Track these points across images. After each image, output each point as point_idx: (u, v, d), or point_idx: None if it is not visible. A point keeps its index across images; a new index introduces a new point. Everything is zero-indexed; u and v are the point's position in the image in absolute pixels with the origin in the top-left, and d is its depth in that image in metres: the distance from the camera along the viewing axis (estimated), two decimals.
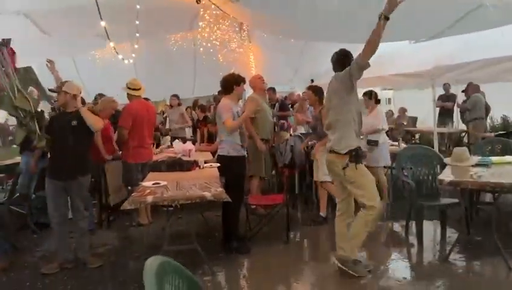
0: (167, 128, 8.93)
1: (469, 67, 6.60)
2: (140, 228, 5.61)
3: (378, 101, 6.37)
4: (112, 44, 3.84)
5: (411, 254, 4.59)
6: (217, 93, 9.71)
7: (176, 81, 11.25)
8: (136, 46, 5.71)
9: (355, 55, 3.65)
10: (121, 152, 5.83)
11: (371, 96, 6.27)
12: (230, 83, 4.76)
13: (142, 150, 5.64)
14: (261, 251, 4.63)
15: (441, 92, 10.38)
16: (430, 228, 5.18)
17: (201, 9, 7.57)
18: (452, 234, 4.87)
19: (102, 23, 3.72)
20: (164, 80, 10.92)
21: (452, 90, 10.67)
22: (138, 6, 5.24)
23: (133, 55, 5.83)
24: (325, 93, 4.20)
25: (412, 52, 8.16)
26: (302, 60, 9.05)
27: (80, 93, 4.39)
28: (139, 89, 5.69)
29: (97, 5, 3.76)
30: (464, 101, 9.93)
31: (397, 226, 5.46)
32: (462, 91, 9.95)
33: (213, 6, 7.45)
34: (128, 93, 5.65)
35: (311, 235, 5.35)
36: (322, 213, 5.50)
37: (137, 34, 5.62)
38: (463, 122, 10.51)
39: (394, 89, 14.69)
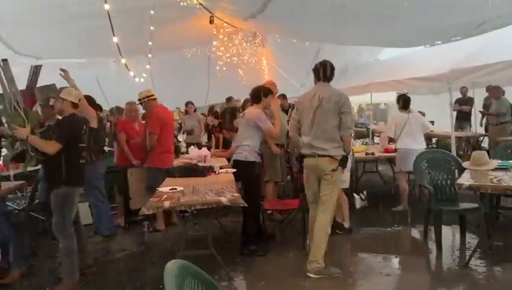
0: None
1: (486, 70, 6.50)
2: (158, 233, 5.65)
3: (404, 107, 6.28)
4: (123, 60, 3.86)
5: (430, 260, 4.53)
6: (225, 100, 9.89)
7: (190, 89, 11.35)
8: (147, 66, 5.80)
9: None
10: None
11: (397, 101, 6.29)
12: (260, 94, 4.93)
13: (169, 155, 5.82)
14: (278, 257, 4.61)
15: (458, 95, 10.25)
16: (449, 234, 5.11)
17: (215, 29, 7.66)
18: (472, 240, 4.79)
19: (115, 39, 3.76)
20: (179, 88, 11.02)
21: (469, 94, 10.53)
22: (152, 28, 5.34)
23: (144, 75, 5.92)
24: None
25: (427, 55, 8.09)
26: (315, 63, 9.05)
27: (80, 100, 4.23)
28: (153, 95, 5.80)
29: (110, 23, 3.79)
30: (484, 105, 9.77)
31: (415, 232, 5.38)
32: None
33: (225, 24, 7.52)
34: (146, 102, 5.72)
35: (328, 242, 5.31)
36: (346, 223, 5.21)
37: (150, 55, 5.71)
38: (481, 125, 10.35)
39: (410, 93, 14.53)
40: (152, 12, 4.96)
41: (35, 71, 4.30)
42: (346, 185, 5.20)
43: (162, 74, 10.60)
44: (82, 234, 4.39)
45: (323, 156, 4.05)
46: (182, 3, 5.63)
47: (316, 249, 4.03)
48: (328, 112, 4.03)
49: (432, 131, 6.23)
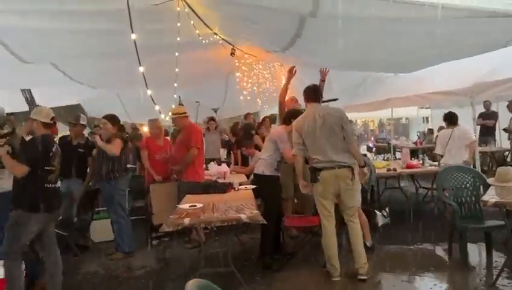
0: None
1: (509, 84, 6.37)
2: (177, 250, 5.65)
3: (451, 123, 6.37)
4: (149, 92, 3.90)
5: (455, 279, 4.40)
6: (243, 116, 9.97)
7: (205, 97, 11.47)
8: (175, 96, 5.95)
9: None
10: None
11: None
12: (289, 117, 5.09)
13: (203, 169, 6.00)
14: (298, 275, 4.56)
15: (481, 109, 10.06)
16: (475, 252, 4.97)
17: (236, 61, 7.79)
18: (499, 258, 4.64)
19: (141, 69, 3.80)
20: (194, 96, 11.09)
21: (493, 108, 10.33)
22: (177, 70, 5.50)
23: (173, 106, 6.15)
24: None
25: (448, 69, 7.98)
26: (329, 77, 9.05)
27: (52, 119, 3.97)
28: (186, 112, 5.91)
29: (137, 52, 3.83)
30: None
31: (440, 249, 5.25)
32: None
33: (246, 55, 7.61)
34: (178, 119, 5.81)
35: (350, 260, 5.22)
36: (367, 242, 5.06)
37: (175, 84, 5.84)
38: (508, 139, 10.11)
39: (432, 107, 14.36)
40: (177, 54, 5.11)
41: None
42: (359, 205, 5.13)
43: (186, 91, 10.73)
44: (56, 266, 4.06)
45: (343, 166, 4.27)
46: (204, 41, 5.76)
47: (362, 253, 4.27)
48: (334, 126, 4.30)
49: (473, 141, 6.20)
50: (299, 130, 4.42)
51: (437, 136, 12.03)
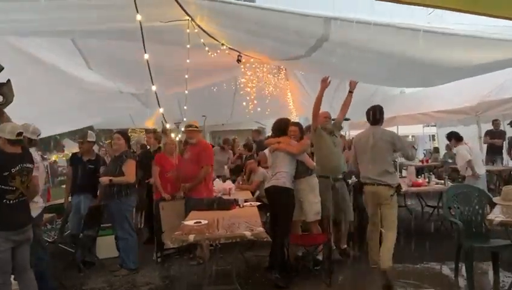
0: None
1: None
2: (182, 267, 5.64)
3: (460, 140, 6.96)
4: (161, 110, 3.92)
5: None
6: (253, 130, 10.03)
7: (214, 115, 11.55)
8: (185, 107, 6.00)
9: None
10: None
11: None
12: (284, 126, 5.32)
13: (212, 185, 6.06)
14: None
15: (488, 127, 10.01)
16: (482, 271, 4.91)
17: (242, 66, 7.90)
18: (506, 278, 4.59)
19: (153, 88, 3.81)
20: (202, 107, 11.18)
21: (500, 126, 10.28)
22: (187, 76, 5.60)
23: (182, 129, 6.21)
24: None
25: (454, 88, 8.03)
26: (336, 96, 9.10)
27: (19, 135, 3.65)
28: (198, 127, 5.97)
29: (149, 70, 3.84)
30: None
31: (446, 269, 5.20)
32: None
33: (252, 60, 7.71)
34: (193, 132, 5.81)
35: (354, 278, 5.19)
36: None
37: (186, 92, 5.91)
38: None
39: (438, 126, 14.31)
40: (187, 76, 5.23)
41: None
42: (319, 217, 5.17)
43: (192, 101, 10.80)
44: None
45: (381, 184, 4.77)
46: (212, 55, 5.87)
47: (388, 253, 4.66)
48: (383, 150, 4.80)
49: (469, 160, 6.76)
50: (355, 145, 5.15)
51: (445, 153, 12.12)
